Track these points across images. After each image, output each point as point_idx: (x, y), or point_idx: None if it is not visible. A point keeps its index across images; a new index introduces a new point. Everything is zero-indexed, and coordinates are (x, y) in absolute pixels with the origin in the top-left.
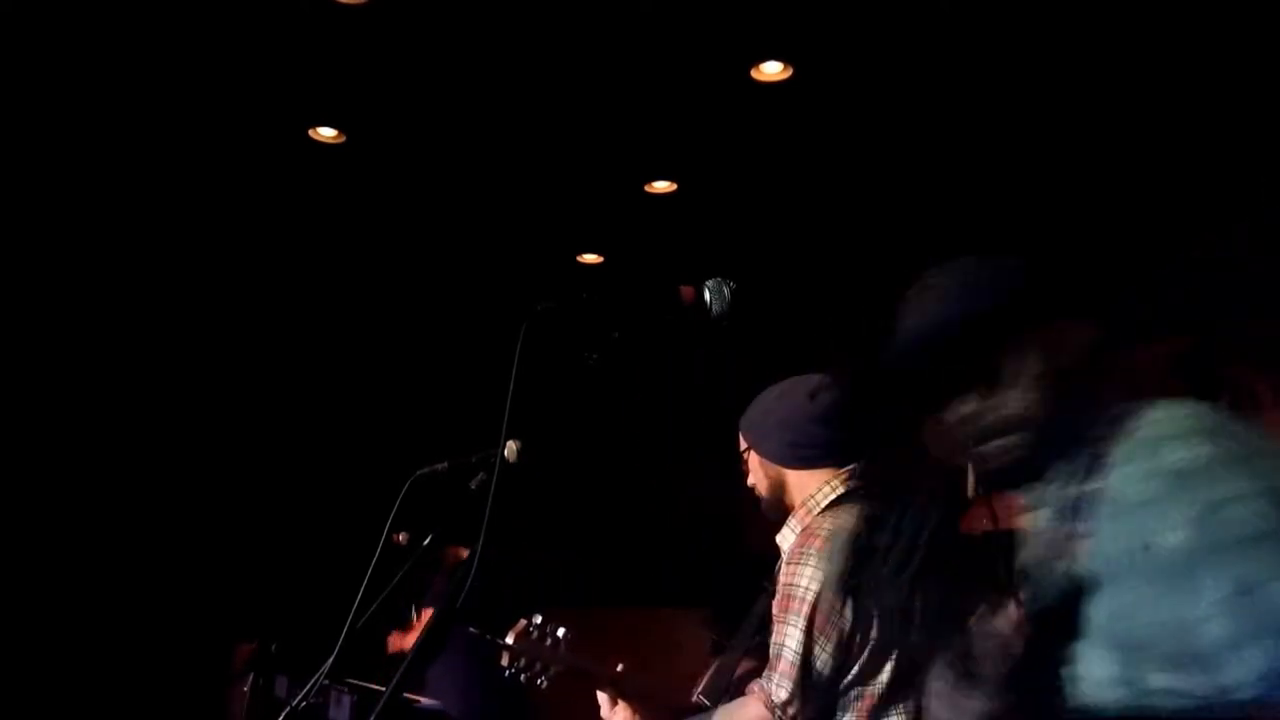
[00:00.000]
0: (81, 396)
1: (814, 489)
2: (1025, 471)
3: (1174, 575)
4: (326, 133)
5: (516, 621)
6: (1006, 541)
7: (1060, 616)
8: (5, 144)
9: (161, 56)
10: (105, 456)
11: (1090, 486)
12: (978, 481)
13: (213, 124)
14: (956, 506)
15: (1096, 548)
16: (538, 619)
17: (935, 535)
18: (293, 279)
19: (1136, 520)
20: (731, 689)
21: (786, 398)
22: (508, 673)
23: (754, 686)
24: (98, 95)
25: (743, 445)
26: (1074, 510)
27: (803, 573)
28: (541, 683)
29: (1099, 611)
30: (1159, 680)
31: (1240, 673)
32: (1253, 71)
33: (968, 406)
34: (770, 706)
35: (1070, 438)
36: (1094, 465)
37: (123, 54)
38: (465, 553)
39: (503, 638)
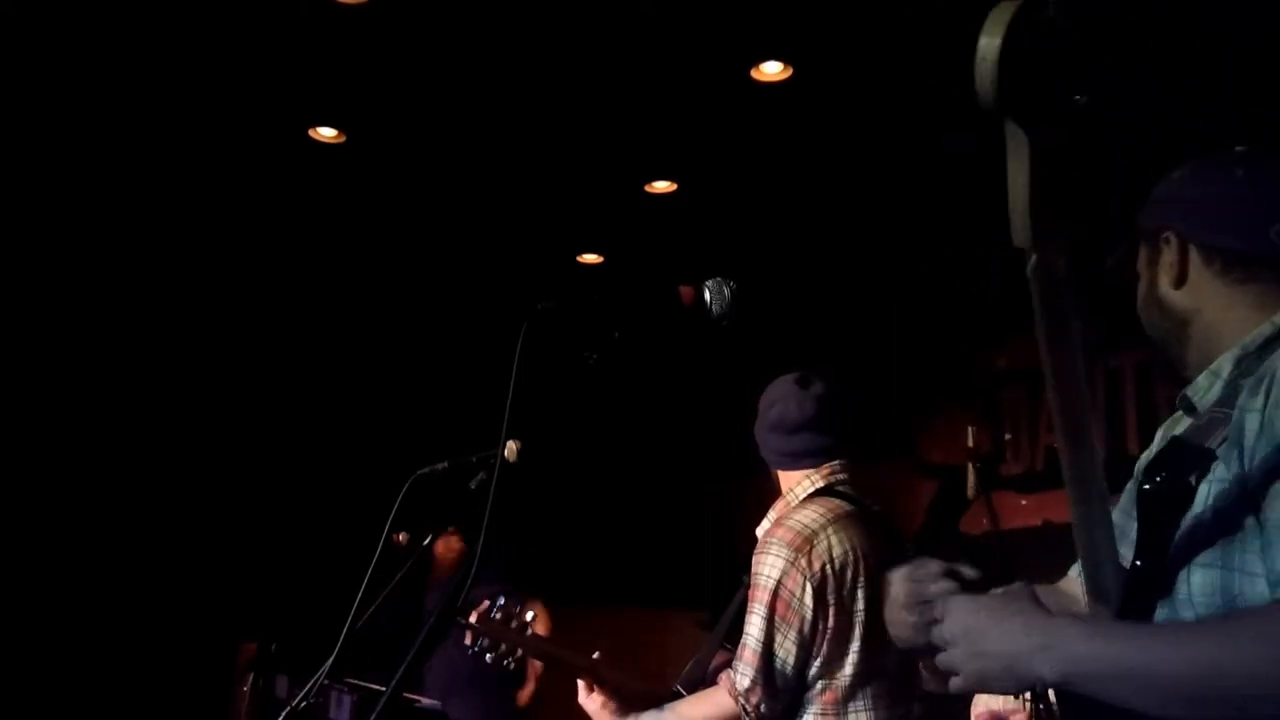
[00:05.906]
0: (82, 397)
1: (794, 484)
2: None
3: None
4: (326, 133)
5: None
6: (1005, 541)
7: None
8: (5, 144)
9: (162, 56)
10: (106, 456)
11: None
12: (978, 481)
13: (213, 124)
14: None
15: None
16: (501, 600)
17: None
18: (293, 279)
19: None
20: (708, 679)
21: (761, 406)
22: (470, 651)
23: (723, 676)
24: (98, 95)
25: None
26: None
27: (765, 560)
28: (508, 664)
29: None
30: None
31: None
32: None
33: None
34: (734, 694)
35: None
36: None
37: (123, 54)
38: None
39: (465, 617)
